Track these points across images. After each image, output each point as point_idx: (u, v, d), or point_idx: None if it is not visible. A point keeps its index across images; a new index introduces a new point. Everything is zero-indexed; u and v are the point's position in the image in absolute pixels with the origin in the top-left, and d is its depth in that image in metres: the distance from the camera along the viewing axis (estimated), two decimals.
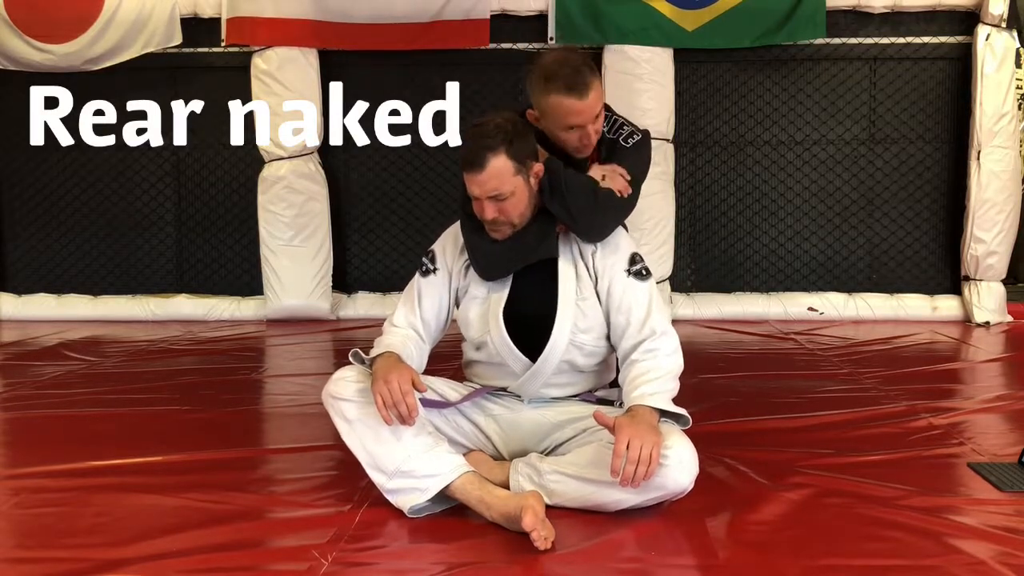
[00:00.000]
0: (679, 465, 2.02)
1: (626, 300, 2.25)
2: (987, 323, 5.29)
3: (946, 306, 5.50)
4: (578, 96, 2.25)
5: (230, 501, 2.25)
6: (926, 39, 5.53)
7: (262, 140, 5.48)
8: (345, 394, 2.16)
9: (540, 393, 2.32)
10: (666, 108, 5.40)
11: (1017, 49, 5.31)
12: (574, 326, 2.25)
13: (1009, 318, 5.36)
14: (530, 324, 2.27)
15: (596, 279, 2.28)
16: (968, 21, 5.43)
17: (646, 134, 2.46)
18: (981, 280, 5.40)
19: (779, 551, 1.92)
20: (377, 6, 5.42)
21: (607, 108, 2.46)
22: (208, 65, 5.73)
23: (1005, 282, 5.52)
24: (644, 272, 2.29)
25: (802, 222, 5.69)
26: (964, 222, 5.41)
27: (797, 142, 5.67)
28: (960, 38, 5.48)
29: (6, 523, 2.19)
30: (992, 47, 5.24)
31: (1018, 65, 5.40)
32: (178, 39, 5.56)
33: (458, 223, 2.36)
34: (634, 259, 2.29)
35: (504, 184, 2.16)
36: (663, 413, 2.09)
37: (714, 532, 2.03)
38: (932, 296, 5.56)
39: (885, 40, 5.53)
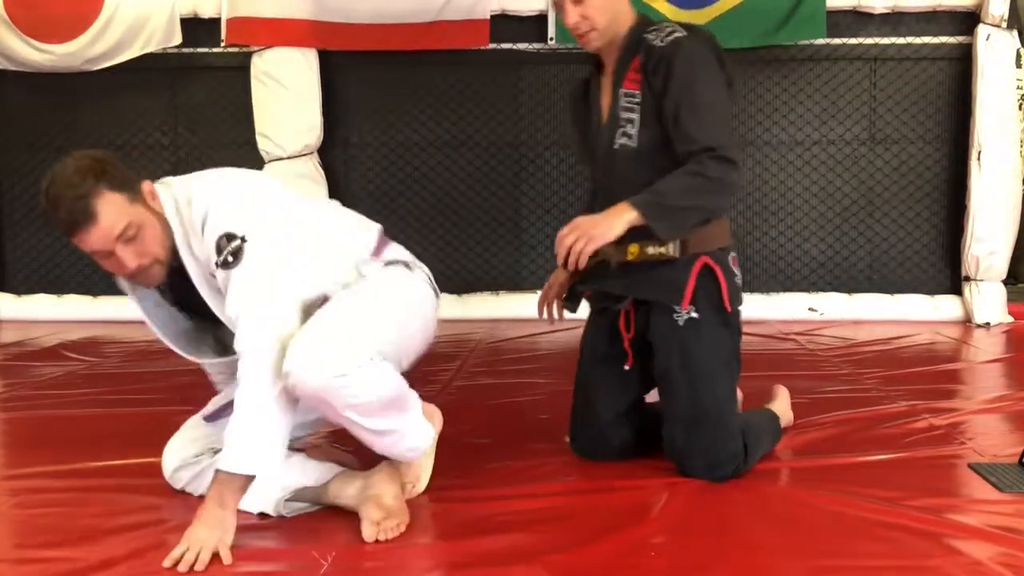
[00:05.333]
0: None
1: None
2: (987, 323, 5.29)
3: (946, 306, 5.49)
4: None
5: None
6: (926, 39, 5.52)
7: (262, 140, 5.48)
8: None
9: None
10: None
11: (1017, 49, 5.30)
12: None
13: (1010, 318, 5.36)
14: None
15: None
16: (968, 21, 5.42)
17: (697, 35, 2.31)
18: (981, 280, 5.40)
19: (779, 551, 1.92)
20: (377, 6, 5.42)
21: (650, 21, 2.37)
22: (208, 65, 5.73)
23: (1005, 282, 5.51)
24: (231, 259, 1.99)
25: (802, 222, 5.69)
26: (964, 222, 5.41)
27: (797, 142, 5.67)
28: (960, 38, 5.47)
29: (6, 523, 2.19)
30: (993, 47, 5.24)
31: (1018, 65, 5.39)
32: (178, 39, 5.56)
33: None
34: (220, 247, 1.99)
35: (126, 219, 1.93)
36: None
37: (713, 532, 2.03)
38: (932, 296, 5.56)
39: (885, 40, 5.53)
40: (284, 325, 1.97)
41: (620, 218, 2.19)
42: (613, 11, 2.34)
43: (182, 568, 1.81)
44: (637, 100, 2.31)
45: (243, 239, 1.96)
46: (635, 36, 2.35)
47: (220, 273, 1.99)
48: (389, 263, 2.25)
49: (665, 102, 2.26)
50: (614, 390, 2.51)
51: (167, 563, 1.83)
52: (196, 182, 2.08)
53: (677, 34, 2.28)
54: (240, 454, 1.91)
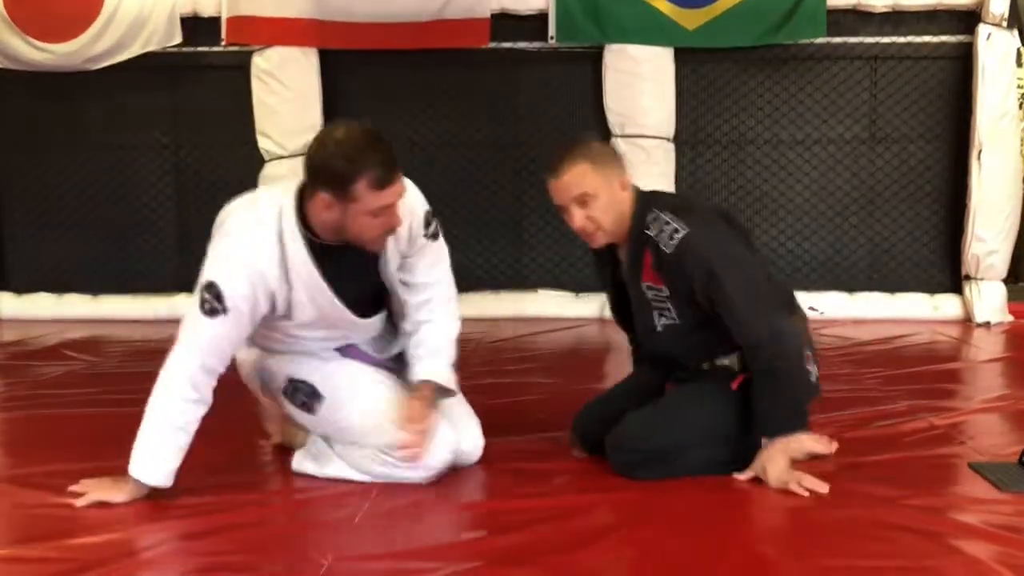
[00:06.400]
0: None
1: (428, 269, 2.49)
2: (988, 323, 5.29)
3: (947, 306, 5.49)
4: (552, 175, 2.33)
5: (229, 501, 2.25)
6: (927, 38, 5.52)
7: (262, 139, 5.48)
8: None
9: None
10: (667, 107, 5.40)
11: (1018, 49, 5.30)
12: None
13: (1010, 318, 5.36)
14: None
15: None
16: (969, 21, 5.42)
17: (695, 221, 2.33)
18: (982, 279, 5.40)
19: (779, 551, 1.93)
20: (377, 5, 5.41)
21: (648, 204, 2.39)
22: (208, 64, 5.72)
23: (1006, 281, 5.51)
24: (437, 233, 2.47)
25: (802, 221, 5.69)
26: (965, 222, 5.41)
27: (798, 141, 5.67)
28: (961, 37, 5.47)
29: (6, 523, 2.19)
30: (993, 46, 5.23)
31: (1019, 65, 5.39)
32: (178, 38, 5.56)
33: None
34: (428, 220, 2.45)
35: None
36: None
37: (713, 532, 2.03)
38: (933, 295, 5.56)
39: (886, 39, 5.52)
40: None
41: (799, 439, 2.36)
42: (616, 207, 2.37)
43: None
44: (664, 294, 2.41)
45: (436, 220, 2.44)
46: (638, 230, 2.37)
47: (421, 241, 2.40)
48: None
49: (698, 299, 2.34)
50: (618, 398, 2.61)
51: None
52: None
53: (678, 234, 2.30)
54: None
